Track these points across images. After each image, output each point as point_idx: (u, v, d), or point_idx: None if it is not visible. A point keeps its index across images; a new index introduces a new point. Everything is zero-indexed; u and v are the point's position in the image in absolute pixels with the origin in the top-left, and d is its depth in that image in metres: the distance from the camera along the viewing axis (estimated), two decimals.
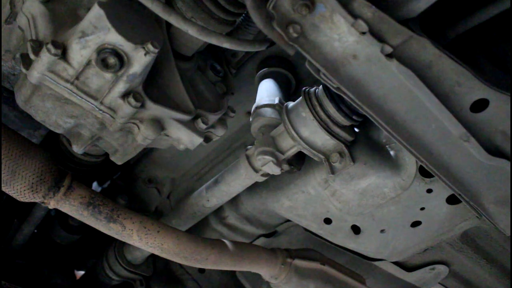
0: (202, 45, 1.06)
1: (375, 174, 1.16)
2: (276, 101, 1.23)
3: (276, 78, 1.36)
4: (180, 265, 1.72)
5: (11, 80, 1.18)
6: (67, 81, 0.88)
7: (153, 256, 1.63)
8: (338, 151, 1.10)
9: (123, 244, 1.57)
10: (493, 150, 0.90)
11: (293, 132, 1.11)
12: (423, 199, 1.18)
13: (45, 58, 0.84)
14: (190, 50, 1.07)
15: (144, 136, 0.97)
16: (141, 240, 1.05)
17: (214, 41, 0.92)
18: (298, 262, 1.19)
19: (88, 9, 0.85)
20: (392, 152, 1.17)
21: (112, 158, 1.10)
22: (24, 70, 0.88)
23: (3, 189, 0.94)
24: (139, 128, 0.97)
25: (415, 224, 1.25)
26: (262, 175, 1.19)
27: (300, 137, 1.10)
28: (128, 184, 1.72)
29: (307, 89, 1.11)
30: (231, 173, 1.24)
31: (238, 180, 1.23)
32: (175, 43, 1.04)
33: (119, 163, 1.10)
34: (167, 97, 0.99)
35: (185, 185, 1.66)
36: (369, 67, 0.84)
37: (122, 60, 0.85)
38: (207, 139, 1.10)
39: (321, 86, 1.09)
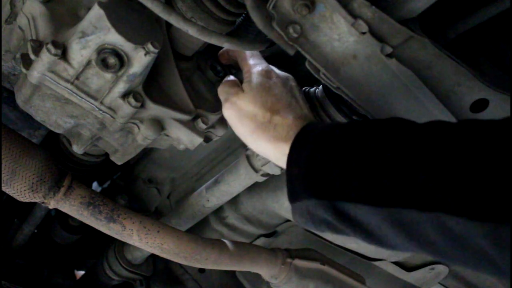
0: (202, 45, 1.06)
1: None
2: None
3: None
4: (180, 265, 1.72)
5: (11, 80, 1.18)
6: (67, 81, 0.88)
7: (153, 256, 1.63)
8: None
9: (123, 244, 1.57)
10: None
11: None
12: None
13: (45, 58, 0.84)
14: (190, 50, 1.07)
15: (144, 136, 0.97)
16: (141, 240, 1.04)
17: (214, 41, 0.92)
18: (298, 262, 1.19)
19: (88, 9, 0.85)
20: None
21: (112, 158, 1.10)
22: (24, 70, 0.88)
23: (3, 189, 0.94)
24: (139, 128, 0.97)
25: None
26: (262, 175, 1.18)
27: None
28: (128, 184, 1.72)
29: (307, 89, 1.11)
30: (231, 173, 1.24)
31: (238, 180, 1.22)
32: (175, 43, 1.04)
33: (119, 163, 1.10)
34: (167, 97, 0.99)
35: (185, 185, 1.66)
36: (369, 67, 0.84)
37: (122, 60, 0.85)
38: (207, 139, 1.10)
39: (321, 86, 1.09)
